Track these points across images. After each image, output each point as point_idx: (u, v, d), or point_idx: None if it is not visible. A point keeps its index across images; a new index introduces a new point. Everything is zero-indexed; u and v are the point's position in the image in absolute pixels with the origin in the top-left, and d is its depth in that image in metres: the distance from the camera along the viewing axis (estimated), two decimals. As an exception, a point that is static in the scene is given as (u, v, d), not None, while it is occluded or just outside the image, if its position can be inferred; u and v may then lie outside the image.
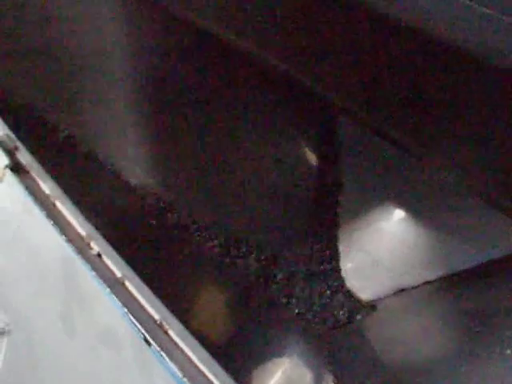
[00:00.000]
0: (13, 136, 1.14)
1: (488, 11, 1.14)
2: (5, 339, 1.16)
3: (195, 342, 0.87)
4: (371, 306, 1.73)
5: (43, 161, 1.11)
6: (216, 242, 1.69)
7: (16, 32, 1.72)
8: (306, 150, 1.95)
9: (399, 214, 1.79)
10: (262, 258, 1.74)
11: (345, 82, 1.62)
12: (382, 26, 1.37)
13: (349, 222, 1.86)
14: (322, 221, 1.88)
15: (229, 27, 1.73)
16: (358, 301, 1.74)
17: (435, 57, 1.32)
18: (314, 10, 1.53)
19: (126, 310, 0.91)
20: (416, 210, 1.77)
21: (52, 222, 1.02)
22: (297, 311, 1.68)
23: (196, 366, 0.85)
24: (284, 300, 1.69)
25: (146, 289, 0.94)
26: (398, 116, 1.59)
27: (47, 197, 1.06)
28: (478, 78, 1.33)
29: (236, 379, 0.85)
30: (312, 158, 1.94)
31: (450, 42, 1.30)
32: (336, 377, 1.53)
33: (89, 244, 0.99)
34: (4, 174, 1.10)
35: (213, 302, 1.57)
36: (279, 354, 1.54)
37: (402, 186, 1.80)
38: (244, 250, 1.73)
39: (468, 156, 1.53)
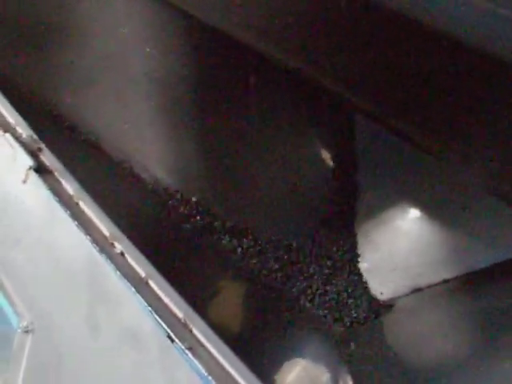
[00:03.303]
0: (36, 137, 1.15)
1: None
2: (29, 337, 1.18)
3: (218, 340, 0.88)
4: (389, 305, 1.74)
5: (66, 162, 1.13)
6: (237, 242, 1.70)
7: (39, 35, 1.74)
8: (323, 148, 1.96)
9: (416, 213, 1.80)
10: (282, 258, 1.75)
11: (362, 81, 1.62)
12: (400, 24, 1.38)
13: (366, 221, 1.87)
14: (340, 220, 1.89)
15: (245, 27, 1.74)
16: (376, 300, 1.75)
17: (455, 57, 1.33)
18: (330, 8, 1.54)
19: (150, 308, 0.92)
20: (433, 209, 1.77)
21: (76, 222, 1.03)
22: (315, 310, 1.69)
23: (220, 364, 0.86)
24: (303, 299, 1.71)
25: (169, 288, 0.95)
26: (415, 115, 1.60)
27: (71, 197, 1.08)
28: (497, 78, 1.34)
29: (258, 376, 0.86)
30: (329, 156, 1.95)
31: (468, 41, 1.30)
32: (354, 375, 1.54)
33: (112, 244, 1.01)
34: (28, 175, 1.12)
35: (235, 302, 1.59)
36: (299, 352, 1.56)
37: (419, 184, 1.80)
38: (263, 250, 1.74)
39: (485, 155, 1.53)
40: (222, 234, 1.72)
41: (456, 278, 1.68)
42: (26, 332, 1.19)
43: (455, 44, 1.33)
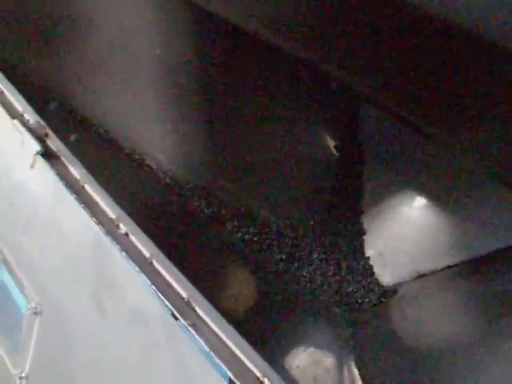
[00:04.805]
0: (43, 123, 1.18)
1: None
2: (37, 319, 1.20)
3: (221, 318, 0.90)
4: (393, 291, 1.75)
5: (72, 147, 1.15)
6: (244, 229, 1.73)
7: (48, 26, 1.76)
8: (329, 137, 1.97)
9: (420, 200, 1.81)
10: (287, 244, 1.77)
11: (367, 69, 1.64)
12: (405, 15, 1.39)
13: (371, 208, 1.89)
14: (345, 208, 1.90)
15: (252, 17, 1.75)
16: (380, 285, 1.77)
17: (460, 46, 1.34)
18: (338, 2, 1.55)
19: (154, 288, 0.94)
20: (437, 196, 1.79)
21: (82, 205, 1.05)
22: (320, 295, 1.71)
23: (221, 340, 0.88)
24: (308, 285, 1.72)
25: (173, 268, 0.97)
26: (419, 103, 1.61)
27: (77, 181, 1.10)
28: (500, 67, 1.35)
29: (261, 353, 0.88)
30: (334, 145, 1.96)
31: (471, 31, 1.31)
32: (358, 358, 1.56)
33: (118, 225, 1.03)
34: (35, 160, 1.14)
35: (240, 288, 1.61)
36: (304, 336, 1.57)
37: (423, 172, 1.81)
38: (269, 237, 1.76)
39: (489, 143, 1.54)
40: (229, 221, 1.74)
41: (459, 264, 1.69)
42: (35, 314, 1.21)
43: (459, 33, 1.34)
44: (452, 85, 1.54)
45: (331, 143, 1.96)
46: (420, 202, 1.82)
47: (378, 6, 1.49)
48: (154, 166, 1.71)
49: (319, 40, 1.70)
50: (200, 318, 0.91)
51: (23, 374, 1.26)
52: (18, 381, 1.26)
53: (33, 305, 1.20)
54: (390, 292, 1.76)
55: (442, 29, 1.39)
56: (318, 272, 1.75)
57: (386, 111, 1.80)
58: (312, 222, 1.85)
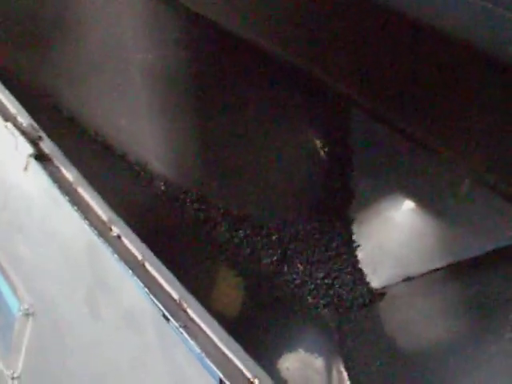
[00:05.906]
0: (36, 126, 1.19)
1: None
2: (29, 320, 1.21)
3: (212, 319, 0.92)
4: (381, 294, 1.77)
5: (65, 150, 1.16)
6: (234, 231, 1.74)
7: (40, 29, 1.77)
8: (319, 141, 1.99)
9: (408, 203, 1.83)
10: (277, 247, 1.78)
11: (358, 75, 1.66)
12: (395, 21, 1.41)
13: (359, 212, 1.91)
14: (334, 211, 1.92)
15: (242, 22, 1.77)
16: (369, 288, 1.79)
17: (452, 53, 1.36)
18: (328, 3, 1.57)
19: (146, 290, 0.95)
20: (424, 200, 1.81)
21: (75, 208, 1.07)
22: (309, 298, 1.72)
23: (212, 341, 0.90)
24: (297, 288, 1.74)
25: (165, 270, 0.99)
26: (408, 108, 1.63)
27: (70, 184, 1.11)
28: (488, 73, 1.37)
29: (251, 355, 0.89)
30: (324, 149, 1.98)
31: (460, 37, 1.33)
32: (346, 359, 1.57)
33: (110, 228, 1.04)
34: (28, 163, 1.16)
35: (229, 290, 1.62)
36: (293, 339, 1.59)
37: (411, 176, 1.83)
38: (259, 239, 1.77)
39: (475, 148, 1.56)
40: (219, 223, 1.75)
41: (446, 267, 1.71)
42: (27, 315, 1.22)
43: (452, 40, 1.36)
44: (442, 91, 1.56)
45: (321, 148, 1.98)
46: (408, 206, 1.84)
47: (371, 13, 1.51)
48: (147, 169, 1.72)
49: (311, 45, 1.72)
50: (191, 319, 0.93)
51: (15, 375, 1.27)
52: (10, 381, 1.27)
53: (25, 306, 1.21)
54: (378, 294, 1.78)
55: (432, 37, 1.41)
56: (308, 275, 1.77)
57: (375, 117, 1.82)
58: (302, 226, 1.86)
